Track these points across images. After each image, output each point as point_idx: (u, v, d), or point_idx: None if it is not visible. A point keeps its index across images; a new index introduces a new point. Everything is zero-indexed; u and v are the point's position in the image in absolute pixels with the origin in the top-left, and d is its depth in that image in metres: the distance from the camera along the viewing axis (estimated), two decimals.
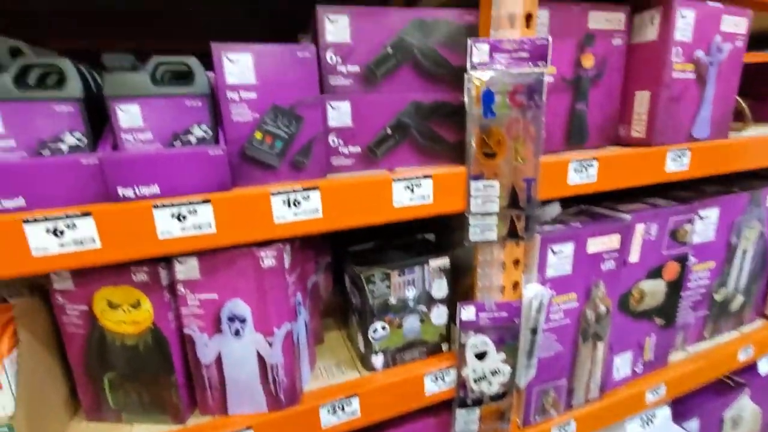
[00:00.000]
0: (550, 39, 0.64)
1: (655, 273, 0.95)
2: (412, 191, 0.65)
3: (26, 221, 0.47)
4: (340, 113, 0.66)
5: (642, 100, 0.85)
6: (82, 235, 0.49)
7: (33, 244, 0.48)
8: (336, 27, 0.63)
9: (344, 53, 0.65)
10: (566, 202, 0.92)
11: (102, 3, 0.95)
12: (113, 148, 0.50)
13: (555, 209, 0.87)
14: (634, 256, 0.92)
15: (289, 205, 0.58)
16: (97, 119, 0.51)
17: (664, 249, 0.94)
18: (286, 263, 0.62)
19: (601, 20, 0.79)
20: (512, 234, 0.72)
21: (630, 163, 0.82)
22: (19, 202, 0.47)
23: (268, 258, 0.60)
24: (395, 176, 0.64)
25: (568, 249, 0.83)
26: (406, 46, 0.67)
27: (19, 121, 0.46)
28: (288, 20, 1.17)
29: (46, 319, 0.61)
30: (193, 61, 0.52)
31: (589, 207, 0.97)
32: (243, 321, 0.61)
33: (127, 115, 0.49)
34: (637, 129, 0.86)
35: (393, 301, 0.75)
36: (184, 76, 0.53)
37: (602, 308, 0.90)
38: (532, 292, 0.79)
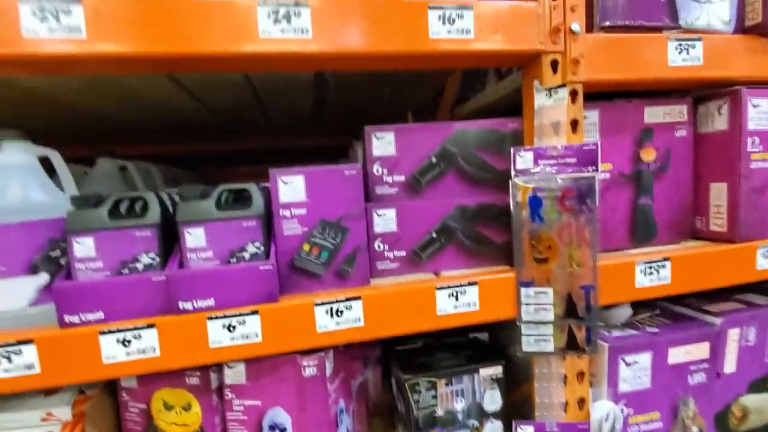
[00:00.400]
0: (599, 144, 0.62)
1: (759, 385, 0.80)
2: (456, 299, 0.64)
3: (102, 332, 0.53)
4: (385, 220, 0.68)
5: (719, 192, 0.77)
6: (145, 345, 0.54)
7: (105, 352, 0.53)
8: (382, 142, 0.68)
9: (390, 165, 0.69)
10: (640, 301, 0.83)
11: (192, 114, 1.12)
12: (180, 266, 0.57)
13: (625, 312, 0.79)
14: (729, 366, 0.78)
15: (331, 315, 0.59)
16: (171, 238, 0.58)
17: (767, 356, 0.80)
18: (328, 371, 0.62)
19: (658, 114, 0.76)
20: (572, 345, 0.66)
21: (712, 262, 0.73)
22: (99, 315, 0.54)
23: (309, 367, 0.60)
24: (438, 283, 0.63)
25: (644, 359, 0.73)
26: (449, 155, 0.69)
27: (108, 246, 0.54)
28: (344, 121, 1.29)
29: (110, 415, 0.66)
30: (252, 187, 0.59)
31: (669, 306, 0.86)
32: (283, 430, 0.61)
33: (193, 237, 0.56)
34: (717, 223, 0.78)
35: (440, 413, 0.70)
36: (244, 192, 0.59)
37: (694, 429, 0.76)
38: (603, 410, 0.70)
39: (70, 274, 0.54)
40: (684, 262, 0.72)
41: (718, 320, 0.77)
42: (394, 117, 1.41)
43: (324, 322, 0.59)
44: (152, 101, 0.87)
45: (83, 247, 0.54)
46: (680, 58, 0.69)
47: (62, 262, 0.57)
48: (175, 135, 1.16)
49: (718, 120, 0.76)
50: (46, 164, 0.63)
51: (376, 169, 0.68)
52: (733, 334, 0.77)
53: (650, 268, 0.71)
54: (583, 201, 0.64)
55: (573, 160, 0.64)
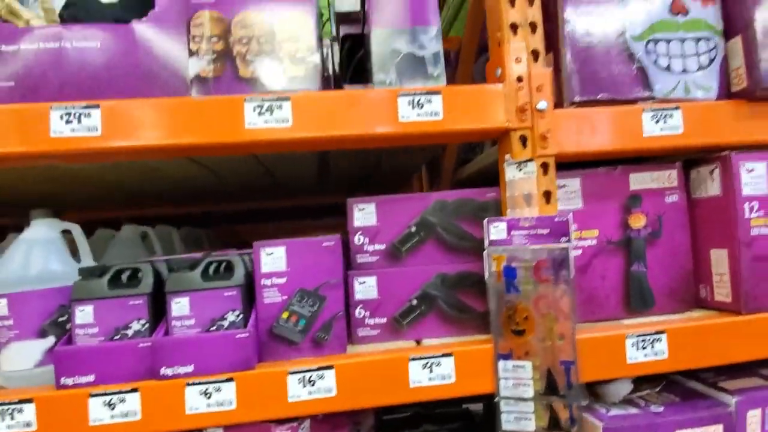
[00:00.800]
0: (571, 216, 0.63)
1: None
2: (430, 370, 0.63)
3: (91, 395, 0.58)
4: (366, 287, 0.71)
5: (720, 259, 0.74)
6: (128, 409, 0.58)
7: (92, 415, 0.58)
8: (363, 213, 0.72)
9: (371, 234, 0.72)
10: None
11: (214, 178, 1.22)
12: (165, 333, 0.61)
13: (625, 387, 0.74)
14: None
15: (304, 384, 0.61)
16: (163, 305, 0.64)
17: None
18: None
19: (645, 180, 0.75)
20: (555, 426, 0.63)
21: (715, 336, 0.69)
22: (90, 378, 0.59)
23: None
24: (411, 354, 0.63)
25: None
26: (428, 224, 0.72)
27: (105, 314, 0.61)
28: (352, 180, 1.36)
29: None
30: (235, 258, 0.64)
31: (679, 380, 0.80)
32: None
33: (179, 306, 0.61)
34: (721, 292, 0.74)
35: None
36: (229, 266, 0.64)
37: None
38: None
39: (71, 339, 0.61)
40: (682, 336, 0.68)
41: (733, 399, 0.70)
42: (405, 173, 1.46)
43: (296, 392, 0.61)
44: (173, 175, 0.98)
45: (84, 313, 0.60)
46: (657, 128, 0.69)
47: (68, 326, 0.63)
48: (195, 198, 1.27)
49: (711, 185, 0.75)
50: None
51: (358, 238, 0.72)
52: (752, 416, 0.70)
53: (643, 341, 0.67)
54: (558, 272, 0.63)
55: (545, 231, 0.64)
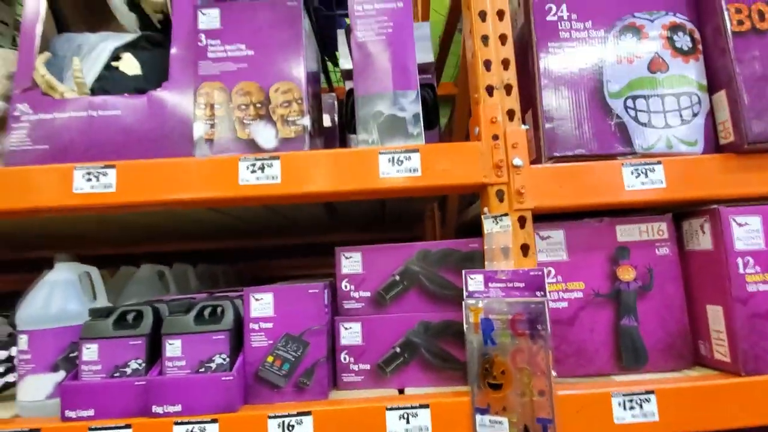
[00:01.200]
0: (545, 271, 0.64)
1: None
2: (407, 421, 0.64)
3: (90, 429, 0.63)
4: (351, 333, 0.74)
5: (716, 316, 0.71)
6: None
7: None
8: (350, 261, 0.76)
9: (357, 282, 0.75)
10: None
11: (231, 217, 1.31)
12: (159, 373, 0.66)
13: None
14: None
15: (283, 429, 0.63)
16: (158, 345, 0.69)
17: None
18: None
19: (633, 232, 0.75)
20: None
21: (711, 398, 0.65)
22: (90, 412, 0.64)
23: None
24: (389, 404, 0.65)
25: None
26: (412, 273, 0.75)
27: (108, 352, 0.67)
28: (361, 219, 1.41)
29: None
30: (226, 303, 0.69)
31: None
32: None
33: (172, 347, 0.66)
34: (719, 351, 0.71)
35: None
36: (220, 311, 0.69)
37: None
38: None
39: (77, 375, 0.67)
40: (673, 397, 0.65)
41: None
42: (415, 213, 1.49)
43: None
44: (193, 217, 1.06)
45: (90, 351, 0.66)
46: (638, 182, 0.70)
47: (77, 362, 0.70)
48: (214, 236, 1.37)
49: (702, 239, 0.73)
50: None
51: (344, 285, 0.75)
52: None
53: (630, 401, 0.65)
54: (534, 326, 0.64)
55: (521, 285, 0.65)
